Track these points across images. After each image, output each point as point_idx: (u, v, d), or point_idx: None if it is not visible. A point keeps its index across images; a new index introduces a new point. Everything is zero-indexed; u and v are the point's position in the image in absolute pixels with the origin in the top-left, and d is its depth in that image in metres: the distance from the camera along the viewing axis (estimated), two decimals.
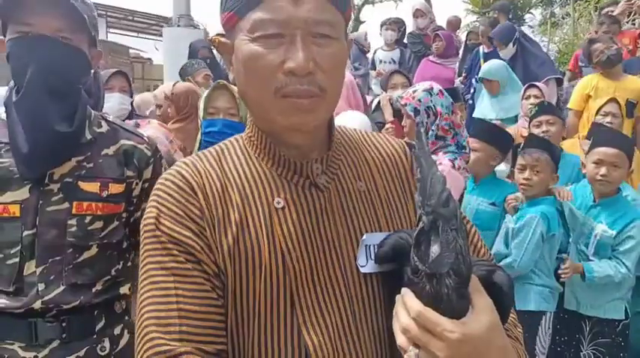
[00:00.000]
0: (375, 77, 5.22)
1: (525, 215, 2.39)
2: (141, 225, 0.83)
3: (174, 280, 0.77)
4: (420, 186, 0.69)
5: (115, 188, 1.40)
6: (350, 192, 0.86)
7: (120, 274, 1.45)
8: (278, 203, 0.81)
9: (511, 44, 4.55)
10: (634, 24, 5.44)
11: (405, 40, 5.84)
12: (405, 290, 0.73)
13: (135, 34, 13.09)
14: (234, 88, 2.06)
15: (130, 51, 10.74)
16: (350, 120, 2.74)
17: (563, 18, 11.69)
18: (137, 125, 2.87)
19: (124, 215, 1.44)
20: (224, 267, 0.79)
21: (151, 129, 2.89)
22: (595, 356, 2.40)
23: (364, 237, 0.83)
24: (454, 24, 6.44)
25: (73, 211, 1.34)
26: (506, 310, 0.76)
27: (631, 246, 2.36)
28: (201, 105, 2.08)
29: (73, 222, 1.34)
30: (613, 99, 3.31)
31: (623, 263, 2.35)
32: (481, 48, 5.11)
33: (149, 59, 11.68)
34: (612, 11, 4.91)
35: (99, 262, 1.39)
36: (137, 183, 1.45)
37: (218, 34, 0.89)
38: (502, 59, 4.54)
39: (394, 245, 0.79)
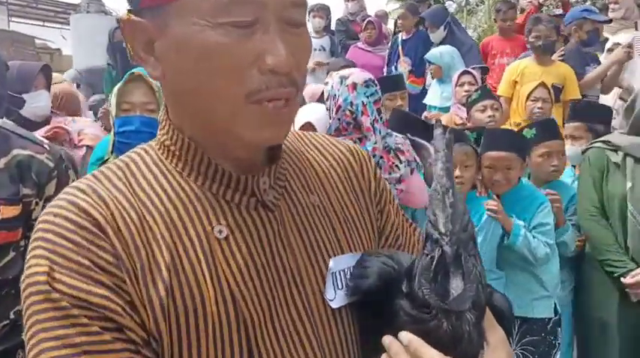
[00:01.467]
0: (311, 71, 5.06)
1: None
2: (21, 285, 0.59)
3: None
4: (436, 204, 0.59)
5: (9, 211, 1.14)
6: (303, 208, 0.71)
7: (21, 317, 1.18)
8: (220, 231, 0.63)
9: (442, 27, 4.55)
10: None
11: (333, 27, 5.74)
12: (412, 338, 0.60)
13: (40, 23, 12.16)
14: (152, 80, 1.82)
15: (37, 41, 9.95)
16: (311, 113, 2.57)
17: (477, 5, 12.08)
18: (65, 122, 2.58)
19: (22, 243, 1.18)
20: (156, 330, 0.59)
21: (87, 126, 2.63)
22: (524, 355, 2.35)
23: (330, 263, 0.69)
24: (381, 17, 6.44)
25: None
26: (507, 335, 0.67)
27: (548, 229, 2.29)
28: (113, 101, 1.81)
29: None
30: (542, 84, 3.36)
31: (547, 243, 2.26)
32: (400, 35, 5.11)
33: (58, 49, 10.91)
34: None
35: None
36: (37, 203, 1.20)
37: (128, 10, 0.64)
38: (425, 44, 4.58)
39: (380, 274, 0.67)
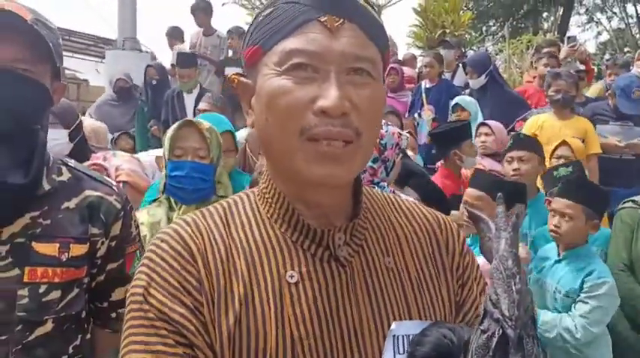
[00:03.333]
0: None
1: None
2: (127, 294, 0.71)
3: None
4: (499, 285, 0.59)
5: (77, 249, 1.18)
6: (376, 269, 0.75)
7: (78, 351, 1.22)
8: (291, 276, 0.70)
9: (483, 76, 4.57)
10: None
11: None
12: None
13: (70, 54, 12.53)
14: (205, 125, 1.93)
15: (66, 71, 10.25)
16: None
17: (496, 54, 12.27)
18: (104, 158, 2.63)
19: (86, 280, 1.22)
20: (221, 353, 0.67)
21: (125, 162, 2.66)
22: None
23: (393, 326, 0.71)
24: (409, 60, 6.49)
25: (25, 279, 1.11)
26: None
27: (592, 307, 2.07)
28: (166, 144, 1.93)
29: (24, 292, 1.11)
30: (564, 143, 3.37)
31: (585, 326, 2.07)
32: (423, 83, 5.17)
33: (85, 80, 11.19)
34: (553, 52, 5.16)
35: (54, 340, 1.16)
36: (103, 242, 1.23)
37: (237, 74, 0.78)
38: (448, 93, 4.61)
39: (436, 344, 0.68)
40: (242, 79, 0.76)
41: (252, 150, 2.85)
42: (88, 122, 3.39)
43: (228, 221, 0.74)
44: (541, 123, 3.90)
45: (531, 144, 3.10)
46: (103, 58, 8.29)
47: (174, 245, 0.70)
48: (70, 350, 1.20)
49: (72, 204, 1.21)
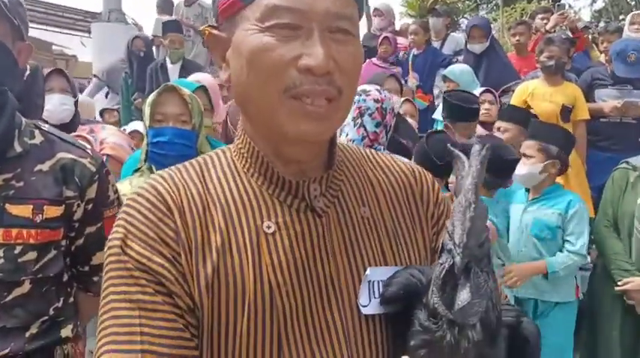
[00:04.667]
0: None
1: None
2: (105, 247, 0.72)
3: (140, 315, 0.66)
4: (457, 216, 0.60)
5: (52, 211, 1.19)
6: (352, 218, 0.76)
7: (60, 313, 1.24)
8: (268, 227, 0.71)
9: (488, 39, 4.50)
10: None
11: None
12: None
13: (58, 30, 12.33)
14: (185, 92, 1.89)
15: (53, 47, 10.10)
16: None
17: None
18: (91, 130, 2.64)
19: (64, 243, 1.24)
20: (200, 301, 0.68)
21: (110, 135, 2.67)
22: None
23: (367, 271, 0.73)
24: (404, 32, 6.45)
25: (0, 240, 1.13)
26: None
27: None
28: (146, 110, 1.88)
29: (0, 253, 1.13)
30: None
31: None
32: (412, 51, 5.13)
33: (74, 56, 11.05)
34: (545, 18, 5.10)
35: (33, 300, 1.18)
36: (79, 205, 1.24)
37: (209, 26, 0.76)
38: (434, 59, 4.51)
39: (405, 284, 0.70)
40: (215, 31, 0.75)
41: (232, 122, 2.82)
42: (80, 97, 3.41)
43: (205, 176, 0.75)
44: (531, 89, 3.90)
45: (512, 115, 3.18)
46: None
47: (151, 198, 0.71)
48: (51, 312, 1.22)
49: (45, 166, 1.21)
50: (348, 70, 0.70)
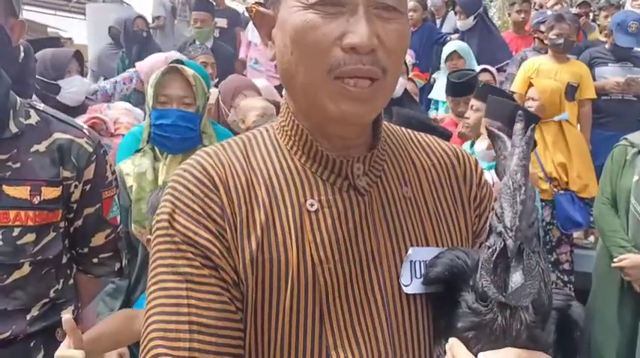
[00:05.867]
0: None
1: None
2: (153, 221, 0.74)
3: (187, 287, 0.67)
4: (506, 199, 0.59)
5: (50, 192, 1.17)
6: (394, 198, 0.76)
7: (60, 295, 1.23)
8: (311, 205, 0.71)
9: (472, 17, 4.47)
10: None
11: None
12: (453, 342, 0.64)
13: (53, 12, 12.17)
14: (190, 72, 1.84)
15: (49, 29, 9.98)
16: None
17: (491, 1, 12.02)
18: (98, 110, 2.61)
19: (62, 224, 1.22)
20: (244, 276, 0.69)
21: (122, 114, 2.64)
22: None
23: (410, 251, 0.73)
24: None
25: None
26: (577, 348, 0.68)
27: None
28: (149, 91, 1.84)
29: None
30: (531, 85, 3.39)
31: None
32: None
33: (69, 39, 10.93)
34: None
35: (33, 283, 1.17)
36: (76, 186, 1.22)
37: (256, 2, 0.74)
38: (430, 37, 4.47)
39: (450, 266, 0.69)
40: (261, 8, 0.74)
41: (225, 101, 2.78)
42: None
43: (248, 153, 0.75)
44: (537, 66, 3.86)
45: (483, 94, 3.14)
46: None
47: (197, 174, 0.72)
48: (52, 294, 1.21)
49: (42, 147, 1.19)
50: (393, 48, 0.68)
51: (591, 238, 3.45)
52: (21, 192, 1.14)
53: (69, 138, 1.22)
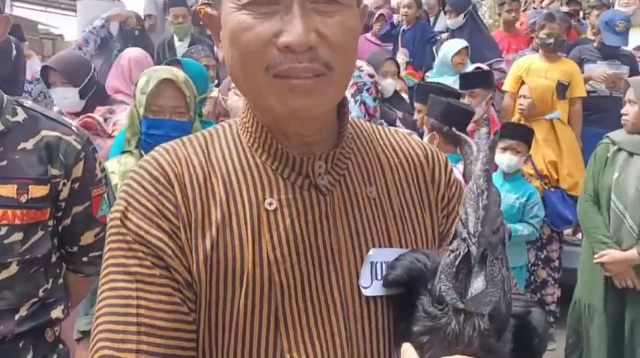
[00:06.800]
0: None
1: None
2: (107, 219, 0.72)
3: (137, 288, 0.66)
4: (470, 204, 0.57)
5: (37, 190, 1.16)
6: (357, 198, 0.73)
7: (49, 295, 1.22)
8: (270, 204, 0.69)
9: (462, 15, 4.48)
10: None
11: None
12: (406, 348, 0.62)
13: (43, 8, 12.06)
14: (181, 78, 1.84)
15: (39, 26, 9.90)
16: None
17: None
18: (110, 111, 2.59)
19: (51, 223, 1.21)
20: (198, 276, 0.67)
21: (124, 117, 2.60)
22: None
23: (370, 252, 0.71)
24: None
25: None
26: (536, 356, 0.66)
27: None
28: (142, 99, 1.82)
29: None
30: (524, 82, 3.46)
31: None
32: (402, 26, 5.08)
33: (60, 35, 10.86)
34: None
35: (21, 282, 1.16)
36: (65, 184, 1.21)
37: (204, 3, 0.74)
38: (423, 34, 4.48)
39: (410, 268, 0.67)
40: (209, 9, 0.72)
41: (223, 92, 2.78)
42: None
43: (209, 149, 0.73)
44: (528, 65, 3.88)
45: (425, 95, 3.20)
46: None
47: (152, 171, 0.70)
48: (41, 294, 1.20)
49: (29, 144, 1.18)
50: (337, 42, 0.64)
51: (579, 235, 3.50)
52: (7, 190, 1.13)
53: (57, 135, 1.21)
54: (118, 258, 0.67)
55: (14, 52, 2.81)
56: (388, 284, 0.70)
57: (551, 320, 3.43)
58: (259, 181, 0.71)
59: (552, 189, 3.35)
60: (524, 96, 3.43)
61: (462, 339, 0.58)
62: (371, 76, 2.19)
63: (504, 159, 2.93)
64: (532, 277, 3.42)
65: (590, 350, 2.57)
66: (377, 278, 0.70)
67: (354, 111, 2.13)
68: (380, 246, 0.72)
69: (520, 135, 2.96)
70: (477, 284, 0.56)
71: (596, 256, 2.46)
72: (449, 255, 0.60)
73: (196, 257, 0.67)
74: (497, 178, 3.02)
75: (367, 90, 2.15)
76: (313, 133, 0.71)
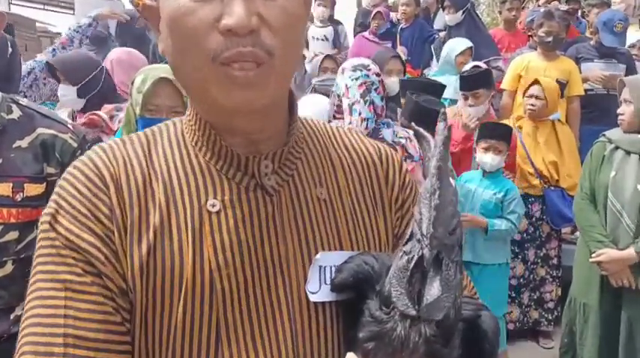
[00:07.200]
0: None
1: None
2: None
3: (66, 296, 0.61)
4: (424, 204, 0.54)
5: (33, 189, 1.16)
6: (306, 199, 0.70)
7: None
8: (212, 205, 0.66)
9: (460, 12, 4.46)
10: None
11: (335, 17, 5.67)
12: (350, 357, 0.59)
13: (41, 6, 12.02)
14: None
15: (37, 24, 9.86)
16: (309, 105, 2.61)
17: None
18: (118, 109, 2.58)
19: None
20: (133, 283, 0.63)
21: None
22: None
23: (318, 256, 0.67)
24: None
25: None
26: None
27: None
28: (138, 99, 1.82)
29: None
30: (536, 82, 3.39)
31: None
32: (401, 24, 5.06)
33: (58, 34, 10.81)
34: None
35: (17, 281, 1.15)
36: None
37: None
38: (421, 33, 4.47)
39: (357, 271, 0.64)
40: (147, 1, 0.68)
41: None
42: None
43: (150, 149, 0.69)
44: (526, 63, 3.89)
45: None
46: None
47: (87, 171, 0.66)
48: None
49: (24, 142, 1.17)
50: (278, 27, 0.61)
51: (578, 233, 3.51)
52: (2, 189, 1.13)
53: (52, 133, 1.20)
54: (46, 265, 0.63)
55: (10, 49, 2.80)
56: (335, 288, 0.67)
57: (550, 318, 3.45)
58: (202, 182, 0.67)
59: (552, 188, 3.35)
60: (535, 97, 3.34)
61: (407, 345, 0.55)
62: (377, 74, 2.18)
63: (487, 158, 2.94)
64: (531, 275, 3.42)
65: (583, 349, 2.57)
66: (325, 283, 0.67)
67: (364, 111, 2.10)
68: (330, 249, 0.69)
69: (501, 134, 2.97)
70: (433, 290, 0.53)
71: (593, 255, 2.46)
72: (402, 256, 0.57)
73: (131, 263, 0.63)
74: (476, 174, 3.05)
75: (376, 89, 2.13)
76: (259, 130, 0.68)
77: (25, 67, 3.16)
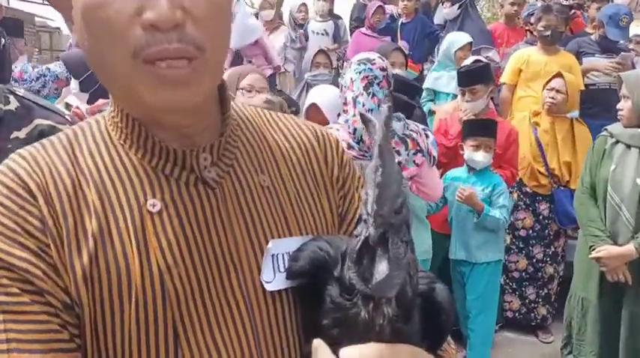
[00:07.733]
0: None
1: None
2: None
3: (5, 319, 0.56)
4: (369, 183, 0.54)
5: None
6: (250, 188, 0.68)
7: None
8: (153, 205, 0.62)
9: (457, 5, 4.46)
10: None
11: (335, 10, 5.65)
12: (318, 344, 0.58)
13: (41, 1, 12.01)
14: None
15: (36, 19, 9.86)
16: (318, 95, 2.59)
17: None
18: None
19: None
20: (78, 296, 0.59)
21: None
22: None
23: (270, 244, 0.66)
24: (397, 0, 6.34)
25: None
26: (444, 332, 0.65)
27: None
28: None
29: None
30: (559, 75, 3.32)
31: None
32: (401, 19, 5.05)
33: (57, 28, 10.82)
34: None
35: None
36: None
37: None
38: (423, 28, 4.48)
39: (313, 258, 0.64)
40: None
41: (230, 88, 2.77)
42: None
43: (75, 151, 0.65)
44: (526, 57, 3.87)
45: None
46: None
47: (9, 183, 0.60)
48: None
49: (22, 133, 1.14)
50: (205, 19, 0.57)
51: None
52: None
53: (51, 124, 1.17)
54: None
55: (2, 40, 2.82)
56: (291, 276, 0.66)
57: (552, 312, 3.44)
58: (138, 182, 0.63)
59: (562, 188, 3.34)
60: (556, 90, 3.26)
61: (372, 328, 0.56)
62: (383, 69, 2.17)
63: (478, 157, 2.87)
64: (538, 273, 3.40)
65: (582, 344, 2.57)
66: (280, 271, 0.66)
67: (368, 103, 2.11)
68: (279, 236, 0.67)
69: (490, 130, 2.90)
70: (381, 267, 0.53)
71: (593, 252, 2.45)
72: (355, 239, 0.56)
73: (73, 275, 0.59)
74: (461, 172, 3.00)
75: (378, 83, 2.13)
76: (192, 123, 0.64)
77: (37, 71, 3.24)
